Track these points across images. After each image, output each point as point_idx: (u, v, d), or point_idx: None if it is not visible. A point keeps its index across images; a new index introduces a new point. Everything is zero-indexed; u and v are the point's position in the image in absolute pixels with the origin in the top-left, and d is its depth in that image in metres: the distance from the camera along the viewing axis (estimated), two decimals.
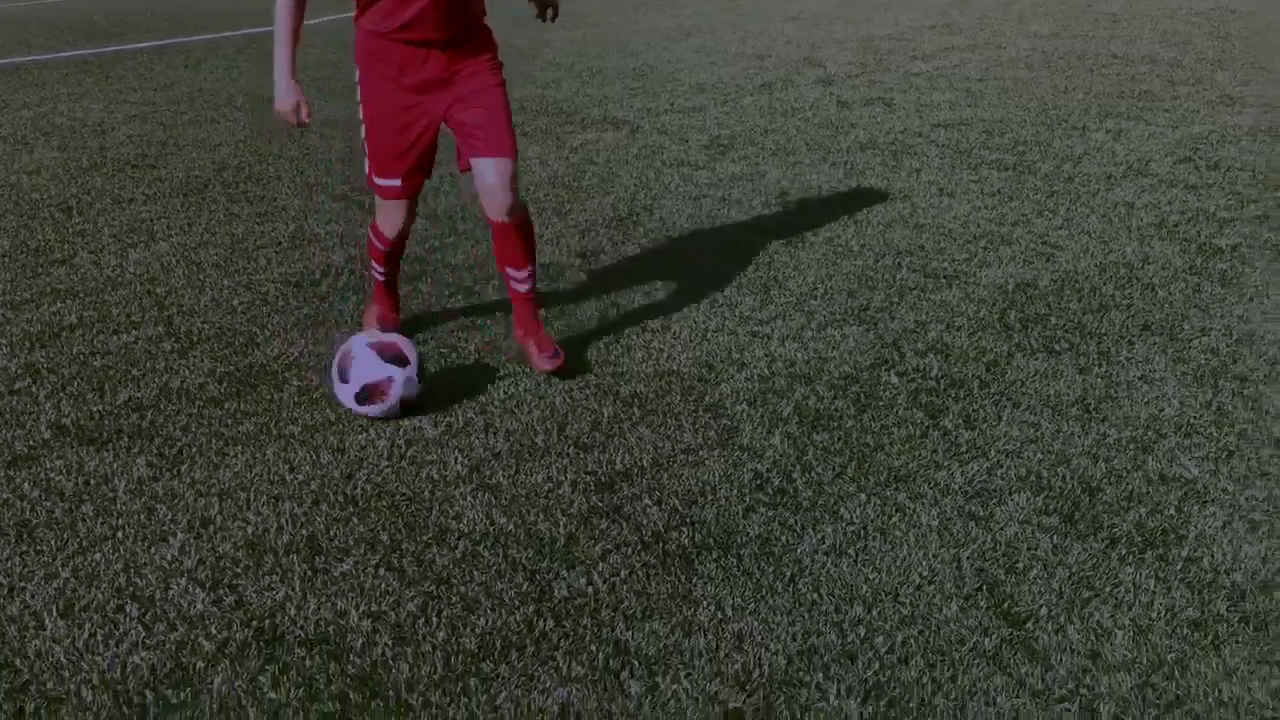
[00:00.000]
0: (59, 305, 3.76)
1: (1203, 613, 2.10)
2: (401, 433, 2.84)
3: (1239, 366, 3.09)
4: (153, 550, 2.37)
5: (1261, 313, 3.45)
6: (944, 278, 3.82)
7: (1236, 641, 2.02)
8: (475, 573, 2.26)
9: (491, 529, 2.42)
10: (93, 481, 2.64)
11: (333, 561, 2.31)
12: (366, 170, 3.06)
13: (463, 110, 2.91)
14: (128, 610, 2.17)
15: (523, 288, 3.14)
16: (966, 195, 4.76)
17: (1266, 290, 3.62)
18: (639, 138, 5.98)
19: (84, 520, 2.48)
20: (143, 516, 2.49)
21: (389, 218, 3.14)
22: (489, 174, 2.93)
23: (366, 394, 2.84)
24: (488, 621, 2.11)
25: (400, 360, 2.86)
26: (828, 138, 5.84)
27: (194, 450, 2.78)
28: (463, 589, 2.21)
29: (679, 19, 10.74)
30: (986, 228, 4.33)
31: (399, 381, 2.84)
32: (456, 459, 2.70)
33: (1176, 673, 1.95)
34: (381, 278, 3.39)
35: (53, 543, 2.40)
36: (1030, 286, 3.72)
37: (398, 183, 3.02)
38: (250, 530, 2.42)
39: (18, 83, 8.24)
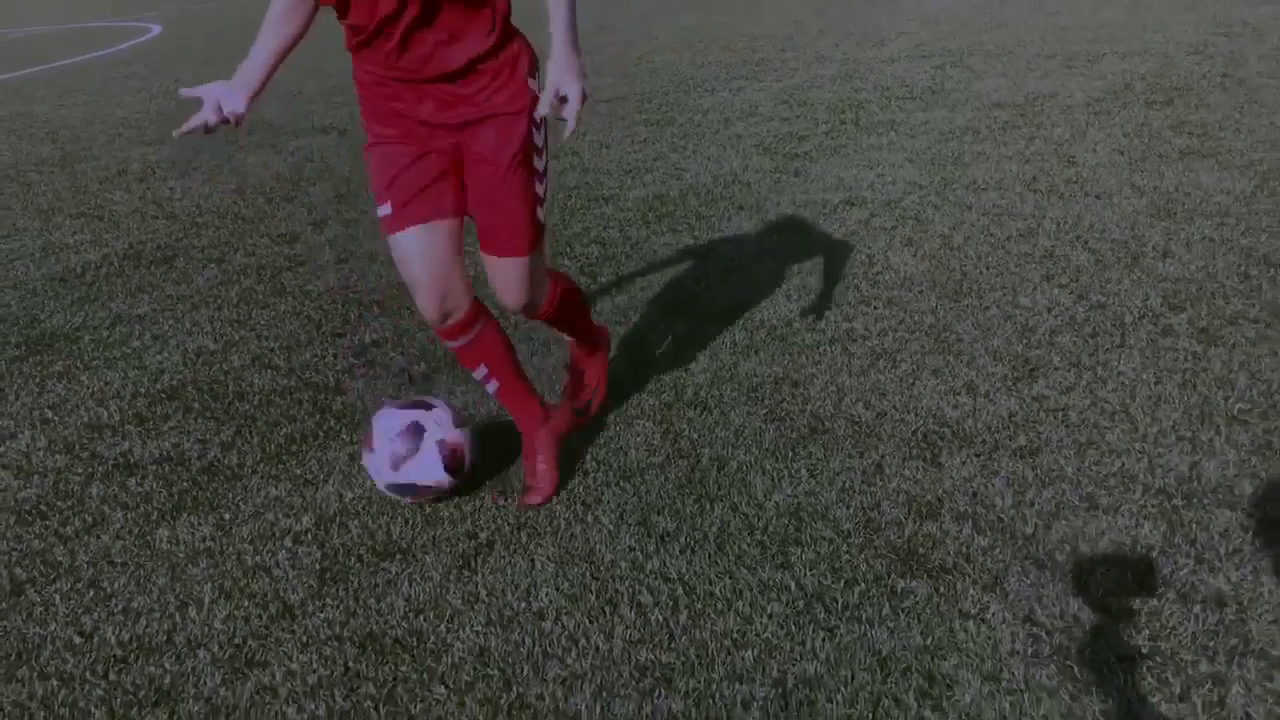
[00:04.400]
0: None
1: None
2: (191, 348, 3.61)
3: (798, 219, 4.47)
4: (6, 444, 3.04)
5: (819, 189, 4.88)
6: (602, 199, 5.01)
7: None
8: (273, 410, 3.13)
9: (279, 387, 3.28)
10: None
11: (160, 424, 3.09)
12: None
13: (468, 180, 2.28)
14: (1, 477, 2.85)
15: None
16: (620, 146, 6.01)
17: (823, 176, 5.08)
18: (347, 138, 6.82)
19: None
20: None
21: (405, 272, 2.31)
22: (493, 274, 2.39)
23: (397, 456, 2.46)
24: (290, 431, 2.99)
25: (420, 404, 2.57)
26: None
27: (16, 387, 3.42)
28: (265, 418, 3.08)
29: None
30: (634, 164, 5.58)
31: (428, 423, 2.49)
32: (239, 357, 3.52)
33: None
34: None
35: None
36: (664, 196, 4.98)
37: (389, 210, 2.26)
38: (86, 418, 3.15)
39: None
